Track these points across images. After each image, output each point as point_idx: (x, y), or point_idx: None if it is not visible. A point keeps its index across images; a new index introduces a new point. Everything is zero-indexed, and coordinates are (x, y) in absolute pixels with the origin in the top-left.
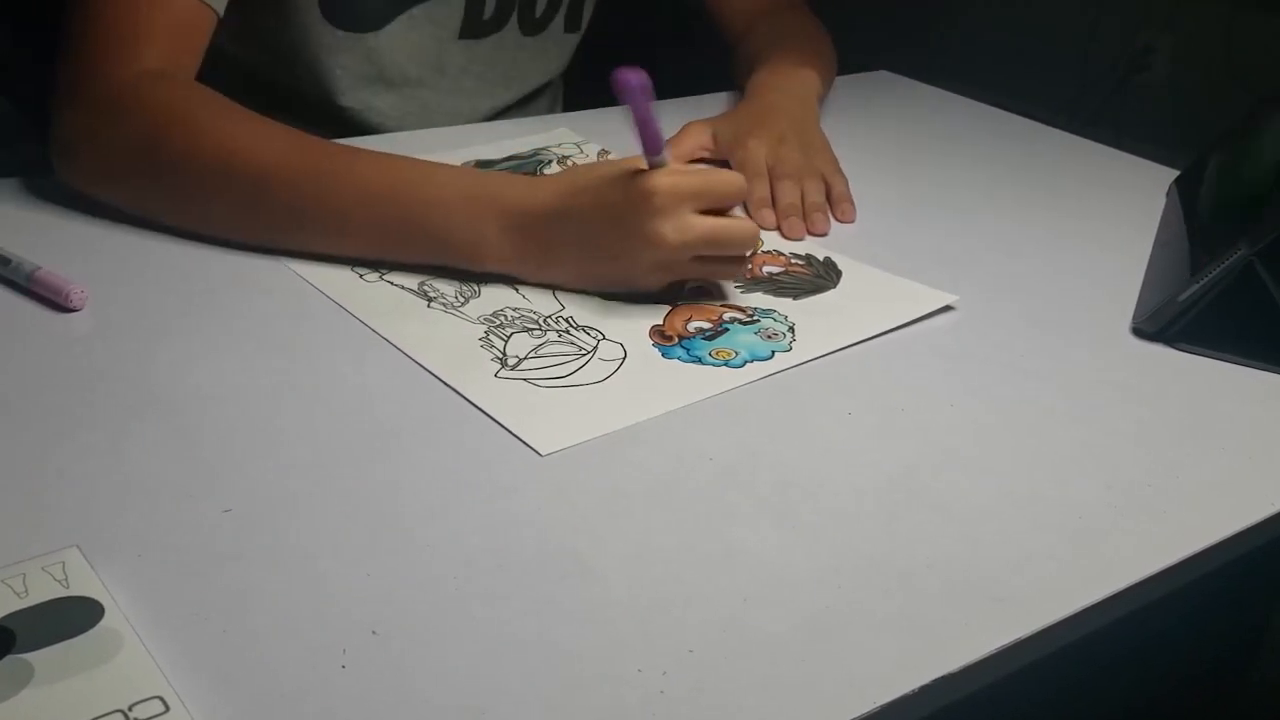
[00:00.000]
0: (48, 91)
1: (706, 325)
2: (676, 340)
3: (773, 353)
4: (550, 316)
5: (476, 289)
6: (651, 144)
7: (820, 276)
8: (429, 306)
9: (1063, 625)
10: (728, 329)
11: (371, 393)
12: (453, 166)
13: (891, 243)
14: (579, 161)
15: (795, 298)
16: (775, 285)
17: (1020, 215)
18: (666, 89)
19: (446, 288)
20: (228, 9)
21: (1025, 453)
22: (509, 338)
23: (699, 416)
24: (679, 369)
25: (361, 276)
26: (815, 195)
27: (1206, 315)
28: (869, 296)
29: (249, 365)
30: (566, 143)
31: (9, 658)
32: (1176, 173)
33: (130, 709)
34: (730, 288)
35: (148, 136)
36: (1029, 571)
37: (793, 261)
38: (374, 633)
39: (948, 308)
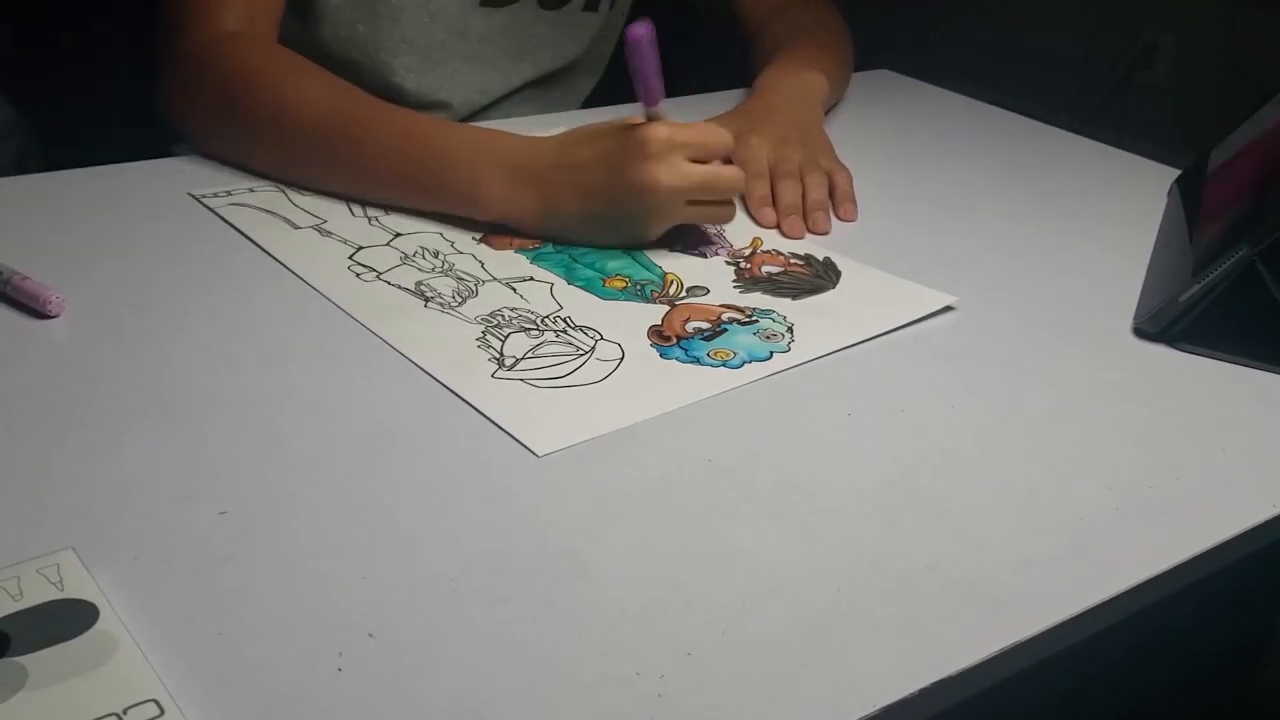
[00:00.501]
0: (45, 88)
1: (705, 325)
2: (675, 340)
3: (771, 353)
4: (548, 316)
5: (474, 289)
6: (650, 95)
7: (819, 277)
8: (426, 306)
9: (1063, 628)
10: (726, 329)
11: (368, 393)
12: (463, 125)
13: (891, 243)
14: None
15: (794, 298)
16: (774, 285)
17: (1021, 215)
18: (673, 89)
19: (444, 287)
20: None
21: (1025, 454)
22: (506, 338)
23: (697, 417)
24: (677, 369)
25: (358, 276)
26: (817, 192)
27: (1208, 315)
28: (868, 297)
29: (245, 366)
30: None
31: (3, 661)
32: (1178, 172)
33: (125, 712)
34: (729, 281)
35: (222, 94)
36: (1029, 573)
37: (792, 261)
38: (371, 635)
39: (948, 308)
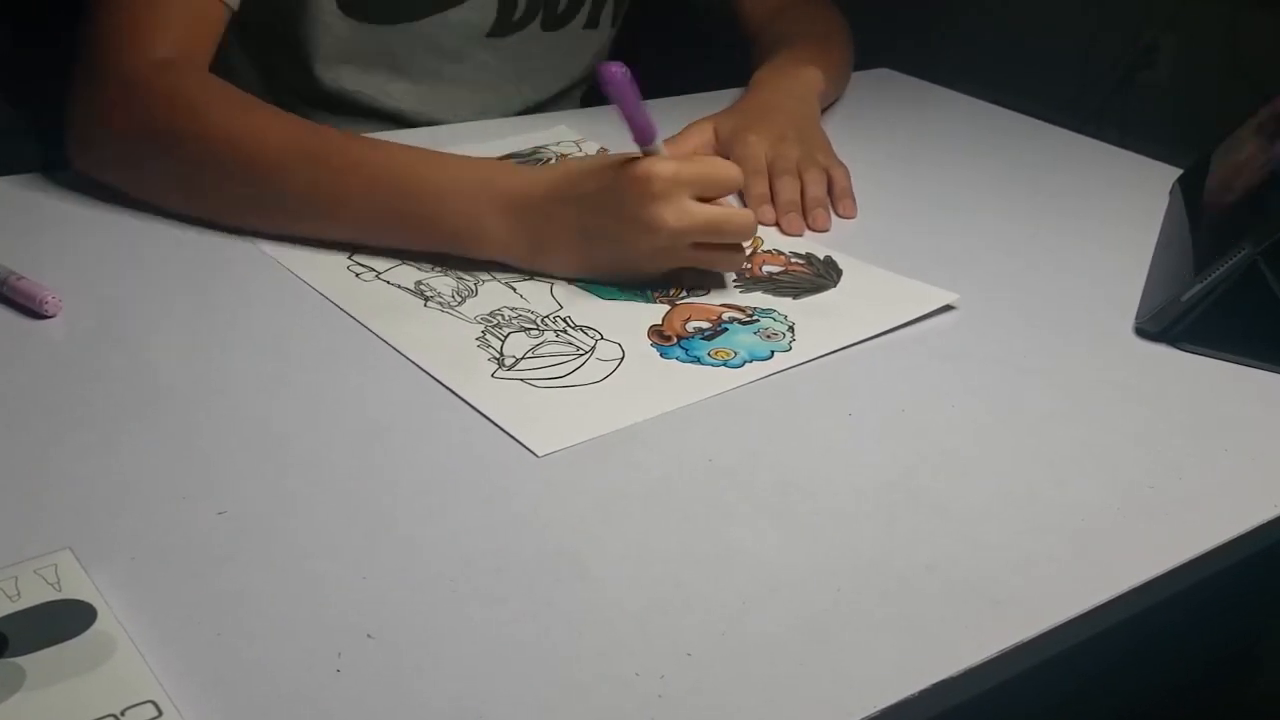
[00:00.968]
0: (45, 88)
1: (705, 325)
2: (675, 340)
3: (772, 353)
4: (548, 316)
5: (474, 288)
6: (641, 134)
7: (820, 275)
8: (425, 306)
9: (1064, 628)
10: (727, 329)
11: (367, 393)
12: (454, 155)
13: (892, 241)
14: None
15: (795, 297)
16: (775, 284)
17: (1022, 214)
18: (674, 87)
19: (443, 287)
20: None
21: (1026, 453)
22: (506, 337)
23: (697, 417)
24: (677, 369)
25: (358, 276)
26: (816, 189)
27: (1210, 315)
28: (869, 296)
29: (244, 366)
30: (565, 140)
31: (1, 661)
32: (1179, 171)
33: (123, 713)
34: (729, 280)
35: (158, 124)
36: (1030, 574)
37: (792, 261)
38: (369, 636)
39: (948, 307)
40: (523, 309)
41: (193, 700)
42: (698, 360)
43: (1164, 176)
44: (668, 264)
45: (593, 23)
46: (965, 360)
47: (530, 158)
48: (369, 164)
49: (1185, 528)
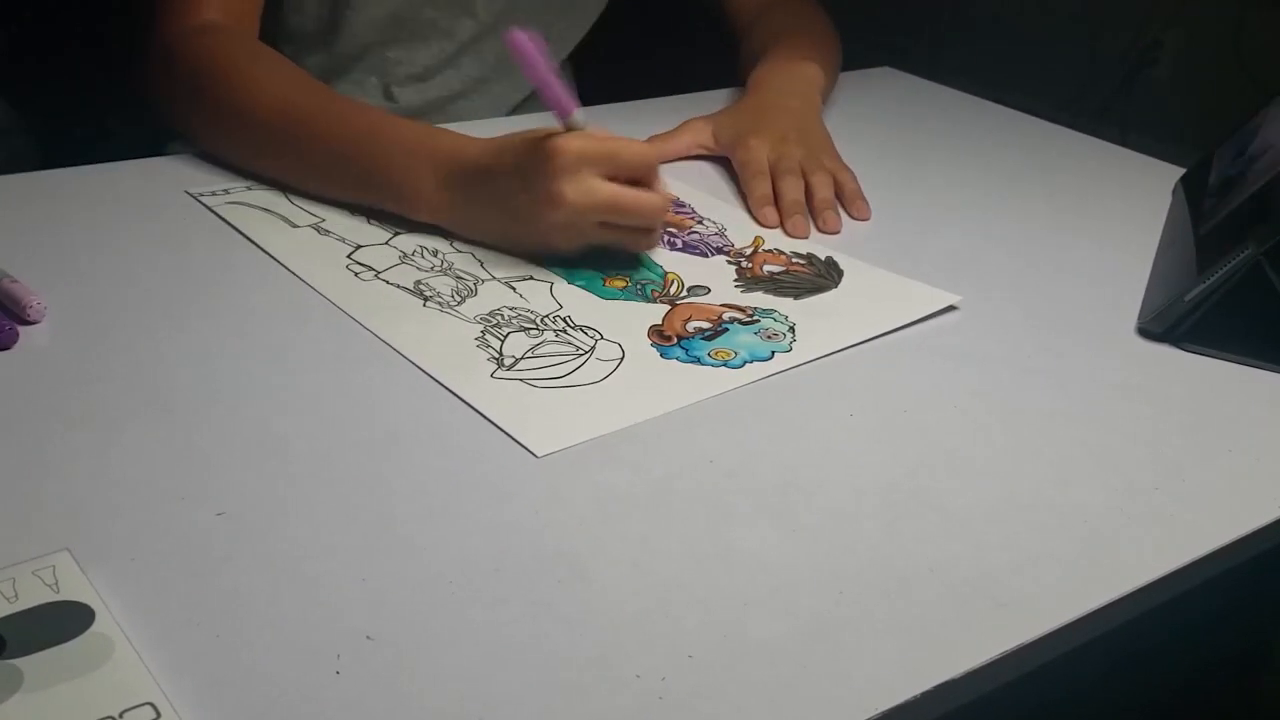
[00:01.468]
0: (44, 88)
1: (706, 325)
2: (675, 340)
3: (773, 353)
4: (548, 316)
5: (473, 288)
6: (556, 104)
7: (821, 276)
8: (425, 306)
9: (1068, 630)
10: (727, 329)
11: (366, 393)
12: (412, 122)
13: (894, 242)
14: None
15: (796, 297)
16: (776, 285)
17: (1024, 214)
18: (671, 85)
19: (443, 286)
20: None
21: (1029, 455)
22: (505, 337)
23: (698, 418)
24: (677, 369)
25: (357, 275)
26: (824, 191)
27: (1213, 315)
28: (871, 296)
29: (242, 366)
30: None
31: None
32: (1182, 170)
33: (121, 715)
34: (725, 276)
35: (191, 83)
36: (1033, 575)
37: (794, 261)
38: (368, 638)
39: (950, 308)
40: (522, 309)
41: (191, 702)
42: (698, 360)
43: (1167, 175)
44: (573, 240)
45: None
46: (967, 361)
47: None
48: (340, 125)
49: (1189, 529)
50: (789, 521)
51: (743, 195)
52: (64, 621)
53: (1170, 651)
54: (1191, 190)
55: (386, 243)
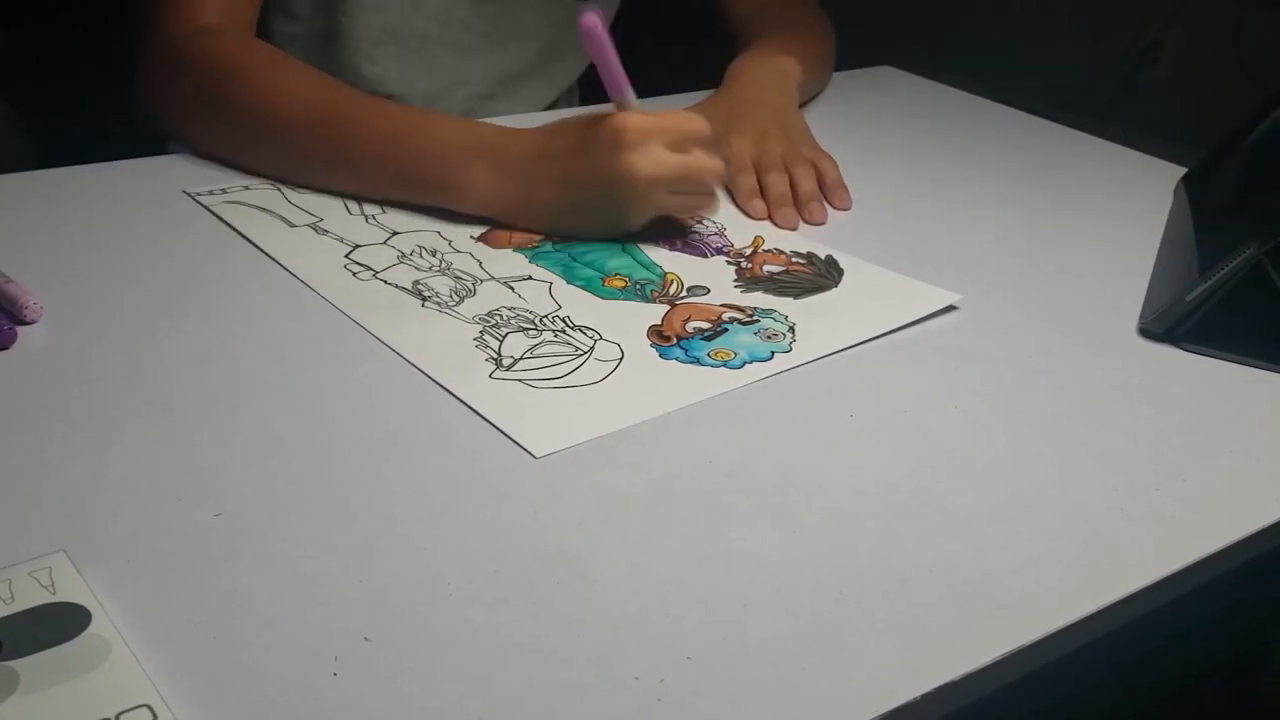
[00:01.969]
0: (42, 87)
1: (705, 325)
2: (675, 340)
3: (772, 353)
4: (546, 316)
5: (472, 288)
6: (614, 84)
7: (821, 275)
8: (423, 305)
9: (1069, 631)
10: (727, 329)
11: (364, 394)
12: (450, 116)
13: (894, 241)
14: None
15: (796, 297)
16: (776, 284)
17: (1025, 213)
18: (674, 84)
19: (441, 286)
20: None
21: (1029, 455)
22: (504, 337)
23: (697, 418)
24: (677, 370)
25: (355, 275)
26: (807, 183)
27: (1215, 315)
28: (871, 295)
29: (240, 366)
30: None
31: None
32: (1184, 170)
33: (118, 717)
34: (724, 276)
35: (200, 86)
36: (1034, 576)
37: (794, 260)
38: (366, 639)
39: (951, 307)
40: (521, 309)
41: (188, 704)
42: (697, 361)
43: (1168, 175)
44: (644, 212)
45: None
46: (968, 361)
47: None
48: (373, 124)
49: (1190, 529)
50: (789, 522)
51: (730, 191)
52: (60, 623)
53: (1171, 652)
54: (1193, 190)
55: (384, 242)
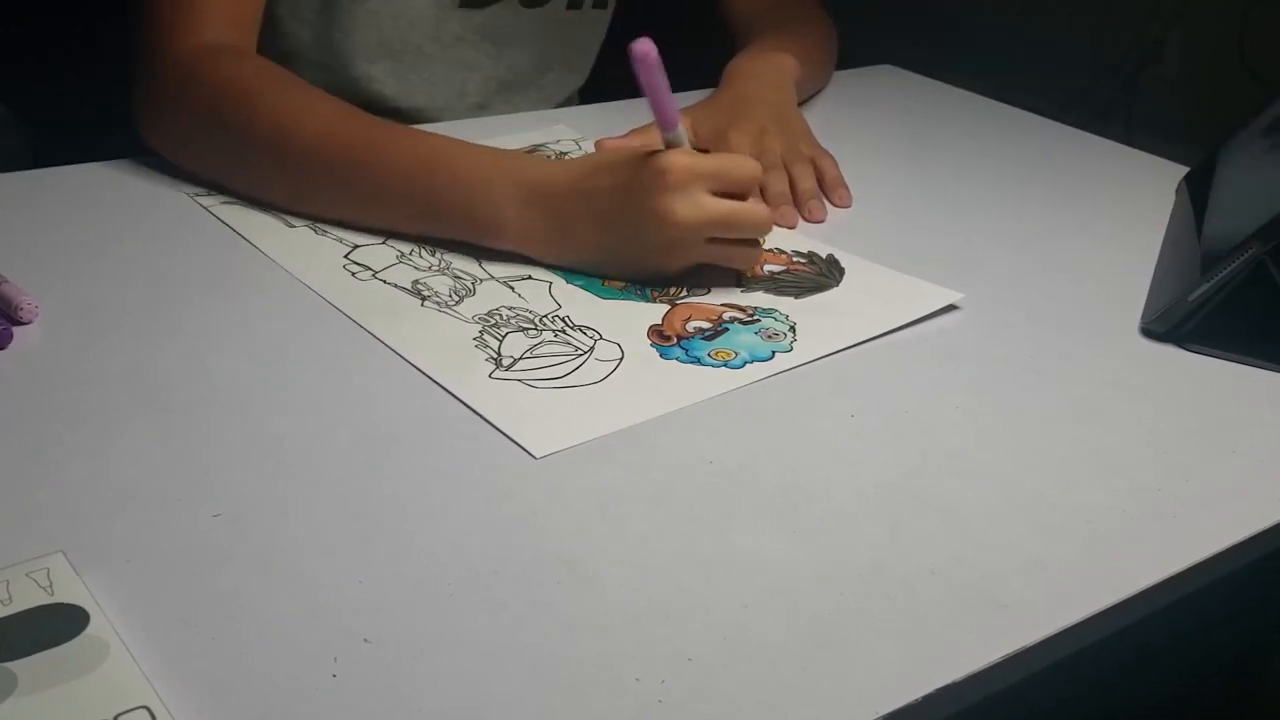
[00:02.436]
0: (39, 86)
1: (706, 325)
2: (675, 340)
3: (773, 353)
4: (546, 316)
5: (471, 288)
6: (664, 118)
7: (822, 274)
8: (422, 305)
9: (1071, 632)
10: (727, 329)
11: (363, 394)
12: (478, 145)
13: (895, 240)
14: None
15: (797, 296)
16: (776, 284)
17: (1027, 212)
18: (682, 82)
19: (441, 286)
20: None
21: (1031, 455)
22: (504, 337)
23: (698, 418)
24: (677, 370)
25: (354, 275)
26: (807, 181)
27: (1217, 315)
28: (872, 295)
29: (238, 366)
30: (564, 139)
31: None
32: (1186, 169)
33: (116, 719)
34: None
35: (208, 109)
36: (1036, 577)
37: (794, 259)
38: (366, 640)
39: (952, 306)
40: (521, 308)
41: (187, 705)
42: (698, 361)
43: (1171, 174)
44: (682, 258)
45: (575, 4)
46: (969, 360)
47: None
48: (396, 153)
49: (1193, 530)
50: (789, 523)
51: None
52: (58, 624)
53: (1173, 653)
54: (1195, 189)
55: (384, 242)
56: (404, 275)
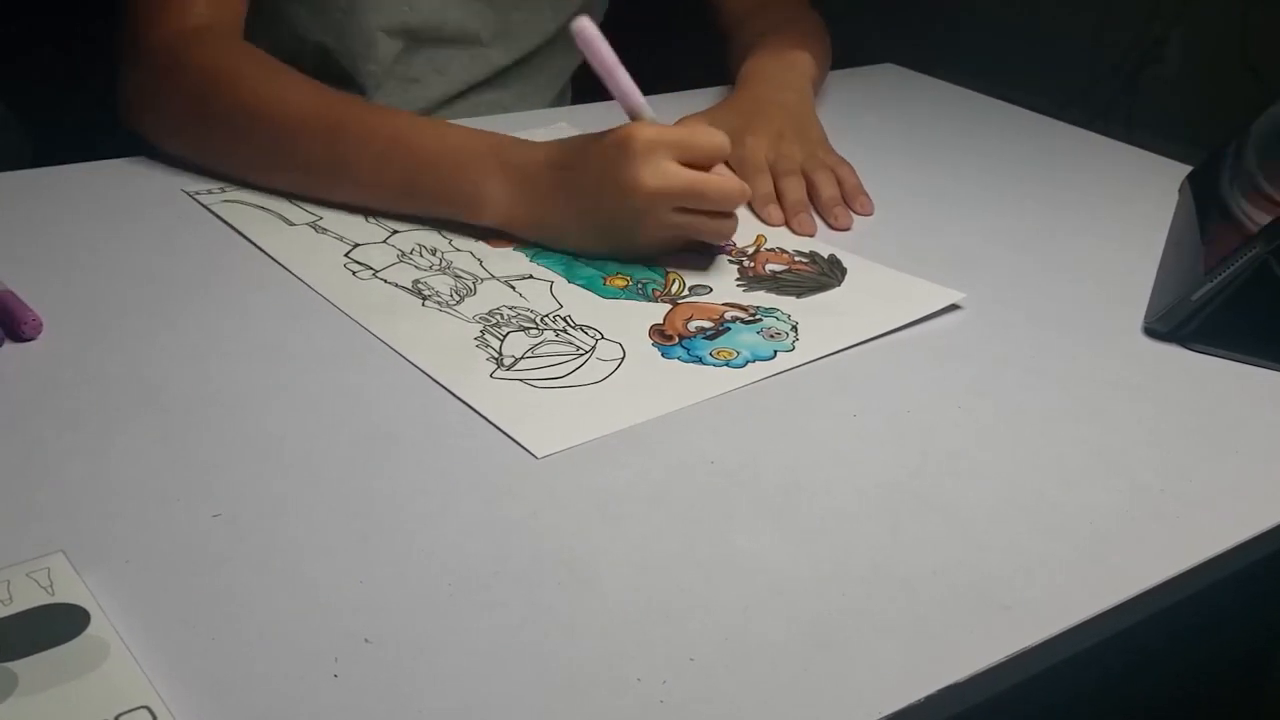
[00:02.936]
0: (36, 84)
1: (707, 324)
2: (677, 340)
3: (775, 352)
4: (547, 315)
5: (472, 287)
6: (620, 93)
7: (824, 274)
8: (423, 305)
9: (1073, 633)
10: (729, 328)
11: (364, 393)
12: (460, 125)
13: (897, 239)
14: None
15: (799, 296)
16: (778, 283)
17: (1029, 211)
18: (680, 81)
19: (441, 285)
20: None
21: (1034, 455)
22: (505, 337)
23: (699, 418)
24: (679, 369)
25: (354, 274)
26: (829, 189)
27: (1220, 315)
28: (874, 294)
29: (238, 366)
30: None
31: None
32: (1189, 168)
33: (116, 719)
34: (727, 275)
35: (192, 92)
36: (1038, 577)
37: (796, 259)
38: (366, 640)
39: (954, 306)
40: (522, 308)
41: (187, 706)
42: (699, 360)
43: (1173, 173)
44: (654, 229)
45: None
46: (971, 360)
47: None
48: (380, 132)
49: (1196, 530)
50: (791, 523)
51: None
52: (59, 624)
53: (1175, 655)
54: (1198, 188)
55: (384, 241)
56: (404, 274)
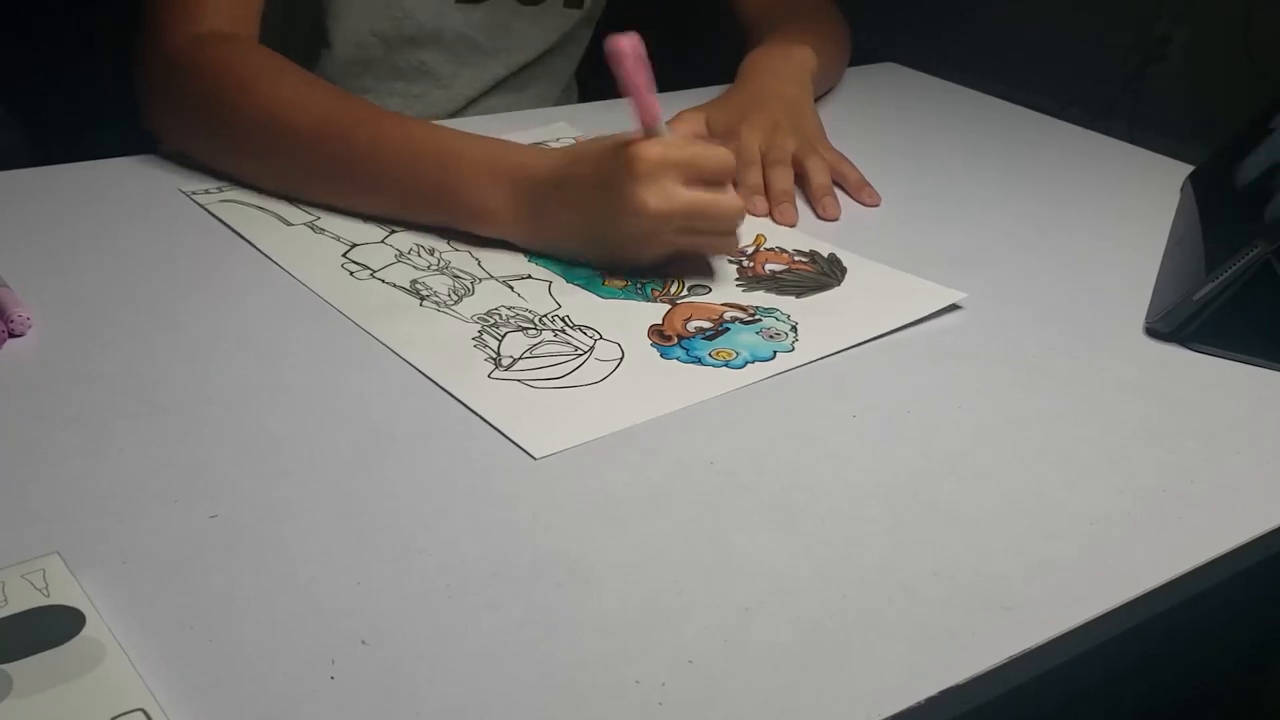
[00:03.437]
0: (36, 84)
1: (707, 325)
2: (676, 340)
3: (775, 353)
4: (546, 315)
5: (470, 287)
6: (644, 113)
7: (824, 274)
8: (421, 305)
9: (1075, 634)
10: (728, 328)
11: (361, 394)
12: (469, 134)
13: (897, 239)
14: None
15: (798, 296)
16: (778, 283)
17: (1030, 211)
18: (684, 80)
19: (439, 285)
20: None
21: (1035, 456)
22: (503, 337)
23: (699, 419)
24: (678, 370)
25: (352, 274)
26: (820, 177)
27: (1222, 314)
28: (874, 294)
29: (236, 366)
30: (565, 137)
31: None
32: (1191, 167)
33: None
34: (725, 271)
35: (206, 95)
36: (1039, 578)
37: (796, 259)
38: (364, 642)
39: (955, 306)
40: (520, 308)
41: (183, 708)
42: (699, 360)
43: (1175, 173)
44: (655, 248)
45: (574, 3)
46: (972, 360)
47: None
48: (391, 140)
49: (1198, 531)
50: (790, 524)
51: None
52: (54, 626)
53: (1179, 656)
54: (1200, 188)
55: (382, 241)
56: (402, 274)
